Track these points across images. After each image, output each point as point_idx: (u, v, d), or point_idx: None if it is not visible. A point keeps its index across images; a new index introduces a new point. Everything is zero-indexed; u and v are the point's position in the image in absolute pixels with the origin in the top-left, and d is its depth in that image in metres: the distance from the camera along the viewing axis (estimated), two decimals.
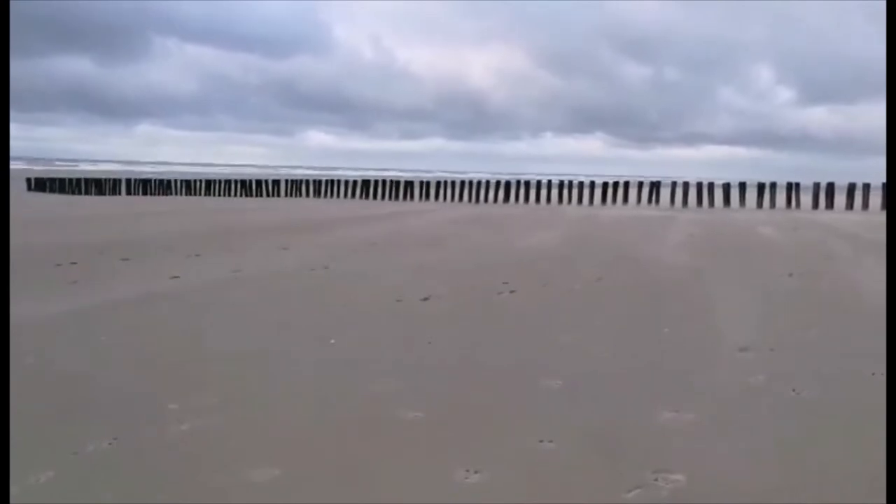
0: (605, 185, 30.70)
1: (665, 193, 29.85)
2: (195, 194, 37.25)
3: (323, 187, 35.69)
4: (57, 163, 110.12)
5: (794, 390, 4.49)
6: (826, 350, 5.55)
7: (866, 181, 27.68)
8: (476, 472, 3.27)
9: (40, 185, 41.40)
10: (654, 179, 32.11)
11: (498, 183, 32.49)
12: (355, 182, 35.46)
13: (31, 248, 10.87)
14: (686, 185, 29.91)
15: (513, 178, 34.80)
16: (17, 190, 35.18)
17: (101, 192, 38.67)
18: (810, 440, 3.74)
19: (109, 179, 40.17)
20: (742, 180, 30.02)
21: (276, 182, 37.36)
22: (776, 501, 3.07)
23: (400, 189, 33.46)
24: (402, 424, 3.90)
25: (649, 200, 29.58)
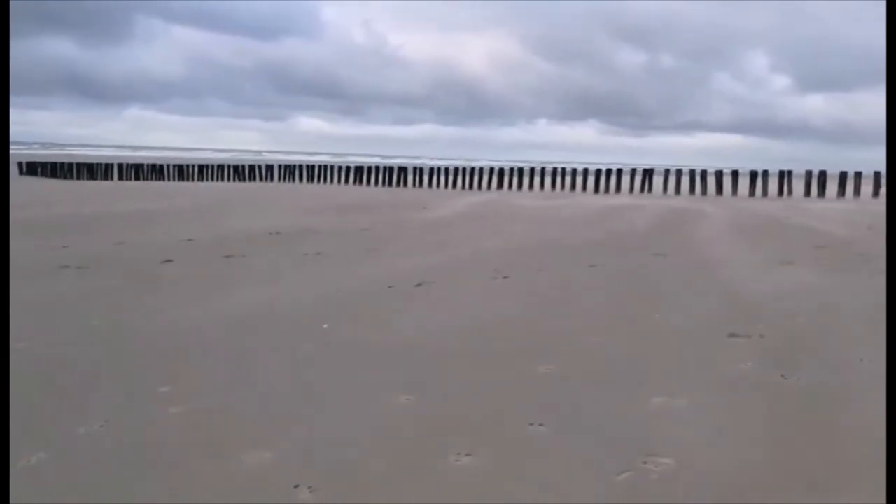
0: (598, 172, 30.68)
1: (658, 181, 29.86)
2: (188, 179, 37.10)
3: (316, 172, 35.60)
4: (53, 147, 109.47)
5: (782, 376, 4.53)
6: (815, 337, 5.59)
7: (858, 170, 27.77)
8: (467, 455, 3.30)
9: (32, 169, 41.14)
10: (648, 167, 32.03)
11: (492, 170, 32.45)
12: (349, 168, 35.37)
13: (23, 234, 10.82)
14: (679, 172, 29.91)
15: (506, 165, 34.73)
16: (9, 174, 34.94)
17: (93, 176, 38.46)
18: (798, 426, 3.78)
19: (101, 164, 39.94)
20: (735, 168, 30.05)
21: (270, 167, 37.25)
22: (764, 486, 3.10)
23: (394, 175, 33.37)
24: (393, 408, 3.92)
25: (642, 188, 29.59)
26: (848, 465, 3.27)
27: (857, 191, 27.09)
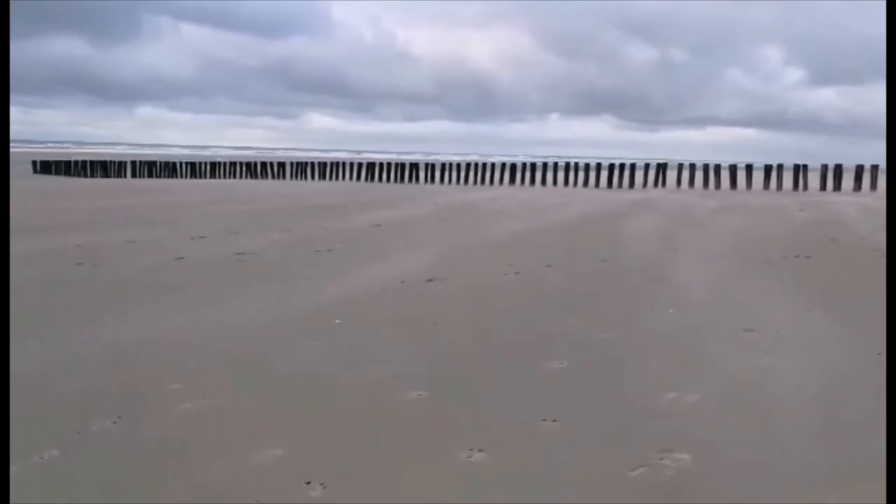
0: (612, 167, 30.49)
1: (671, 176, 29.67)
2: (200, 177, 37.25)
3: (328, 169, 35.63)
4: (67, 146, 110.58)
5: (799, 371, 4.47)
6: (831, 330, 5.53)
7: (875, 163, 27.44)
8: (479, 451, 3.27)
9: (45, 167, 41.44)
10: (661, 161, 31.79)
11: (503, 165, 32.33)
12: (360, 164, 35.38)
13: (35, 232, 10.89)
14: (692, 166, 29.70)
15: (518, 161, 34.58)
16: (22, 173, 35.25)
17: (106, 174, 38.70)
18: (815, 421, 3.73)
19: (115, 162, 40.19)
20: (748, 162, 29.79)
21: (282, 164, 37.34)
22: (780, 481, 3.05)
23: (405, 171, 33.35)
24: (405, 404, 3.90)
25: (655, 183, 29.39)
26: (865, 462, 3.22)
27: (873, 184, 26.78)
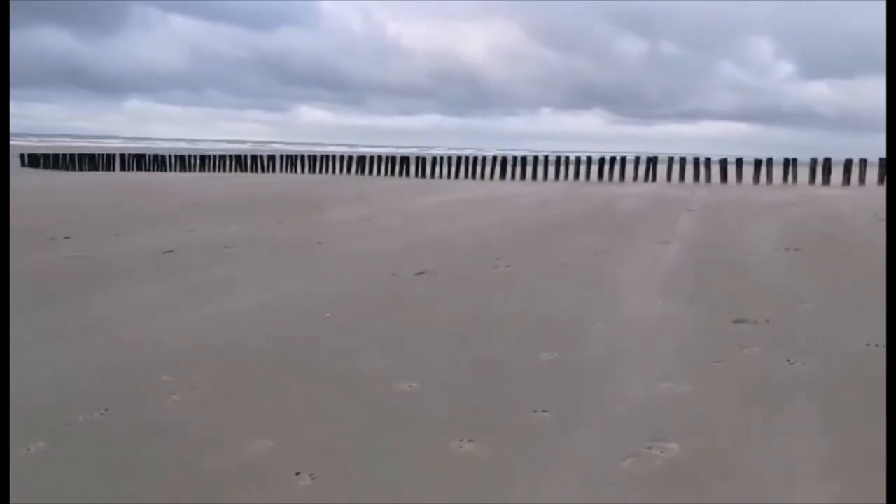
0: (602, 161, 30.53)
1: (662, 169, 29.72)
2: (190, 170, 37.04)
3: (318, 163, 35.48)
4: (58, 139, 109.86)
5: (788, 361, 4.48)
6: (822, 322, 5.54)
7: (864, 157, 27.57)
8: (470, 442, 3.27)
9: (34, 161, 41.11)
10: (652, 155, 31.87)
11: (494, 159, 32.31)
12: (350, 158, 35.24)
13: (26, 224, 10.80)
14: (683, 160, 29.76)
15: (510, 155, 34.55)
16: (12, 167, 34.91)
17: (95, 167, 38.43)
18: (805, 411, 3.74)
19: (103, 155, 39.94)
20: (739, 156, 29.85)
21: (272, 158, 37.16)
22: (769, 472, 3.06)
23: (397, 165, 33.25)
24: (396, 395, 3.89)
25: (646, 177, 29.44)
26: (854, 453, 3.23)
27: (861, 178, 26.91)
